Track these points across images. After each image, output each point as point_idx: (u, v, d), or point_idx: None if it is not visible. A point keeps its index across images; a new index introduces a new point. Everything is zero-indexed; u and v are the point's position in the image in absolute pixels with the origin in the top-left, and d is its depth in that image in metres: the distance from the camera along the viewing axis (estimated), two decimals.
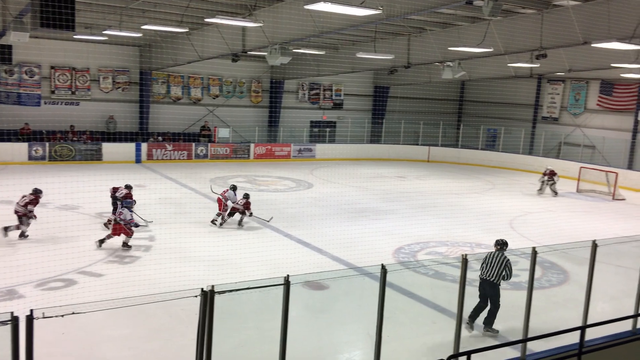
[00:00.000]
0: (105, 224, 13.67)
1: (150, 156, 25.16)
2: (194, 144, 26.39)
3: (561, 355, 6.97)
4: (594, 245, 7.45)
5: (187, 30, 19.94)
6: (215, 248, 12.04)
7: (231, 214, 14.72)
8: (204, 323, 5.06)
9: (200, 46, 21.19)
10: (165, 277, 9.84)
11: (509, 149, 29.92)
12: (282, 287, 5.37)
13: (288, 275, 5.39)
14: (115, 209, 13.52)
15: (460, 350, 6.39)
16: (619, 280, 11.35)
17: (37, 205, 12.71)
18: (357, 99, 32.84)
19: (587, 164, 24.65)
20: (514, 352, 7.16)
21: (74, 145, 23.78)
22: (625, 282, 10.37)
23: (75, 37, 21.80)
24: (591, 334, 7.20)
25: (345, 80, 31.35)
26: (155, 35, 22.89)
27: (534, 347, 7.28)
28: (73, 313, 4.45)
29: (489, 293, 8.46)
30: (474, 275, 9.26)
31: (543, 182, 21.88)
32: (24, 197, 12.61)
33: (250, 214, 14.65)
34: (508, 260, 8.45)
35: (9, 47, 19.40)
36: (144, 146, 25.11)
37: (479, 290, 8.61)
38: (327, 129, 31.46)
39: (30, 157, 22.80)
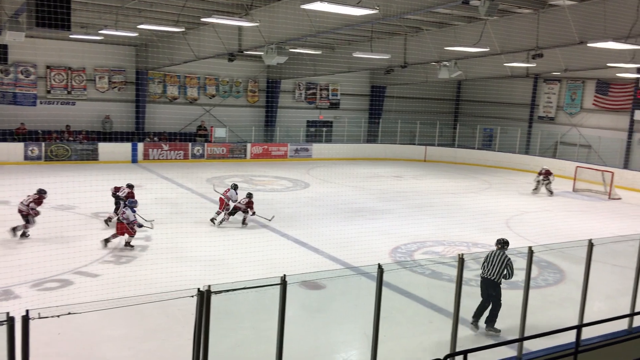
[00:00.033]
0: (106, 221, 13.71)
1: (146, 156, 25.11)
2: (190, 144, 26.33)
3: (558, 354, 6.99)
4: (590, 245, 7.49)
5: (183, 29, 19.93)
6: (211, 248, 12.04)
7: (232, 213, 14.71)
8: (200, 323, 5.06)
9: (197, 46, 21.15)
10: (162, 277, 9.84)
11: (506, 149, 29.94)
12: (278, 286, 5.38)
13: (285, 275, 5.39)
14: (117, 208, 13.52)
15: (457, 350, 6.41)
16: (615, 280, 11.40)
17: (40, 205, 12.79)
18: (353, 99, 32.82)
19: (583, 164, 24.70)
20: (511, 351, 7.19)
21: (70, 145, 23.72)
22: (621, 281, 10.42)
23: (71, 36, 21.73)
24: (587, 332, 7.23)
25: (341, 79, 31.32)
26: (151, 34, 22.85)
27: (531, 346, 7.30)
28: (69, 313, 4.44)
29: (490, 292, 8.49)
30: (470, 274, 9.28)
31: (538, 181, 21.93)
32: (28, 196, 12.72)
33: (253, 213, 14.64)
34: (509, 259, 8.48)
35: (5, 46, 19.36)
36: (141, 146, 25.06)
37: (481, 289, 8.64)
38: (324, 129, 31.41)
39: (26, 157, 22.71)
